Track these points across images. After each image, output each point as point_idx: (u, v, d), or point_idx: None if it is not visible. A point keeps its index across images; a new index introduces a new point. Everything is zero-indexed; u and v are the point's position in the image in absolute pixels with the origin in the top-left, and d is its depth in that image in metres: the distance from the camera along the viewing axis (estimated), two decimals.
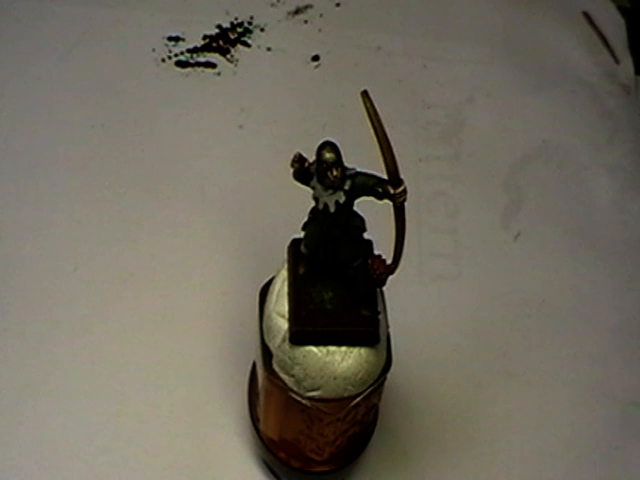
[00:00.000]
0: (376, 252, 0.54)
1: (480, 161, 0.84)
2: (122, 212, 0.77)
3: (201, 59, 0.88)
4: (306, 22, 0.92)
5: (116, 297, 0.72)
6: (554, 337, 0.74)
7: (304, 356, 0.54)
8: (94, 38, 0.87)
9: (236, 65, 0.88)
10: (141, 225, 0.76)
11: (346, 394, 0.55)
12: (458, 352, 0.72)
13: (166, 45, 0.88)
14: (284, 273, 0.57)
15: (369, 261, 0.53)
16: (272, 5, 0.93)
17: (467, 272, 0.77)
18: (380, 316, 0.55)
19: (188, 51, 0.88)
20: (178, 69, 0.87)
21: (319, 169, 0.50)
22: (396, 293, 0.59)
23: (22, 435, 0.66)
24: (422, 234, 0.79)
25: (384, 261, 0.53)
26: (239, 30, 0.90)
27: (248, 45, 0.89)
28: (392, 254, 0.52)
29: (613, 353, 0.74)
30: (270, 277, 0.59)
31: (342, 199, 0.51)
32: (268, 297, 0.57)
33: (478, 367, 0.72)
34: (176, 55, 0.88)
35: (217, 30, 0.90)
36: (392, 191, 0.49)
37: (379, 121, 0.47)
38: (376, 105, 0.47)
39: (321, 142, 0.50)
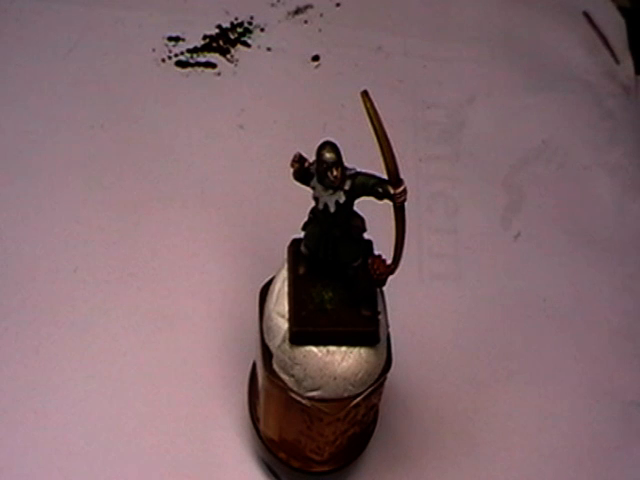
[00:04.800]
0: (376, 252, 0.55)
1: (480, 161, 0.84)
2: (122, 212, 0.77)
3: (201, 59, 0.88)
4: (306, 22, 0.92)
5: (116, 297, 0.72)
6: (554, 337, 0.74)
7: (304, 356, 0.54)
8: (94, 38, 0.87)
9: (236, 65, 0.88)
10: (141, 225, 0.76)
11: (346, 394, 0.55)
12: (458, 352, 0.72)
13: (166, 45, 0.88)
14: (284, 273, 0.57)
15: (369, 261, 0.53)
16: (272, 5, 0.93)
17: (467, 272, 0.77)
18: (380, 316, 0.55)
19: (188, 51, 0.88)
20: (178, 69, 0.87)
21: (319, 169, 0.50)
22: (396, 293, 0.59)
23: (22, 435, 0.66)
24: (422, 234, 0.79)
25: (384, 261, 0.53)
26: (239, 30, 0.90)
27: (248, 45, 0.89)
28: (392, 254, 0.52)
29: (613, 353, 0.74)
30: (270, 277, 0.59)
31: (342, 199, 0.51)
32: (268, 297, 0.57)
33: (478, 367, 0.72)
34: (176, 55, 0.88)
35: (217, 30, 0.90)
36: (392, 191, 0.49)
37: (379, 121, 0.47)
38: (376, 105, 0.47)
39: (321, 142, 0.50)
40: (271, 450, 0.63)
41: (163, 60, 0.87)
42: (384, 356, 0.57)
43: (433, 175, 0.83)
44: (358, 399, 0.56)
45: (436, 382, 0.71)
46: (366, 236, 0.55)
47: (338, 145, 0.50)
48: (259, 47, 0.89)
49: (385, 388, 0.59)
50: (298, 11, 0.93)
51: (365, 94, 0.47)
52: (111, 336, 0.70)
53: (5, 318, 0.70)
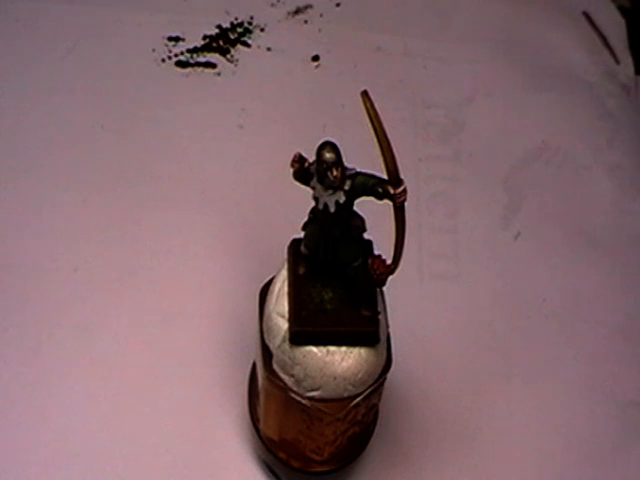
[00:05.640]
0: (376, 252, 0.55)
1: (480, 161, 0.84)
2: (122, 212, 0.77)
3: (201, 59, 0.88)
4: (306, 22, 0.92)
5: (116, 297, 0.72)
6: (554, 337, 0.74)
7: (304, 356, 0.54)
8: (94, 38, 0.87)
9: (236, 65, 0.88)
10: (141, 225, 0.76)
11: (346, 394, 0.55)
12: (458, 352, 0.72)
13: (166, 45, 0.88)
14: (284, 273, 0.57)
15: (369, 261, 0.53)
16: (272, 5, 0.93)
17: (467, 272, 0.77)
18: (380, 316, 0.55)
19: (188, 51, 0.88)
20: (178, 69, 0.87)
21: (319, 169, 0.50)
22: (396, 293, 0.59)
23: (22, 435, 0.66)
24: (422, 234, 0.79)
25: (384, 261, 0.53)
26: (239, 30, 0.90)
27: (248, 45, 0.89)
28: (392, 254, 0.52)
29: (613, 353, 0.74)
30: (270, 277, 0.59)
31: (342, 199, 0.51)
32: (268, 297, 0.57)
33: (478, 367, 0.72)
34: (176, 55, 0.88)
35: (217, 30, 0.90)
36: (392, 191, 0.49)
37: (379, 121, 0.47)
38: (376, 105, 0.47)
39: (321, 142, 0.50)
40: (271, 450, 0.63)
41: (163, 60, 0.87)
42: (384, 356, 0.57)
43: (433, 175, 0.83)
44: (358, 399, 0.56)
45: (436, 382, 0.71)
46: (366, 236, 0.55)
47: (338, 145, 0.50)
48: (259, 47, 0.89)
49: (385, 388, 0.59)
50: (298, 11, 0.93)
51: (365, 94, 0.47)
52: (111, 336, 0.70)
53: (5, 318, 0.70)
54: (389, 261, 0.53)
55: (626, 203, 0.83)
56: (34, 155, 0.79)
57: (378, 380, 0.57)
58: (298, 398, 0.56)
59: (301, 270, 0.56)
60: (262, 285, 0.59)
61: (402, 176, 0.49)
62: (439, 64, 0.91)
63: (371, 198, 0.50)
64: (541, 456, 0.69)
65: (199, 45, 0.88)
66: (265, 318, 0.57)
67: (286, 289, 0.56)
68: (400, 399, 0.69)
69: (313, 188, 0.52)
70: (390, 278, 0.53)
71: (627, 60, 0.93)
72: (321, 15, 0.93)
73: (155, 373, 0.69)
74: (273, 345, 0.56)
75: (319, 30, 0.92)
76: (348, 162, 0.50)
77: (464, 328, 0.74)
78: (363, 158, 0.51)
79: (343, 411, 0.56)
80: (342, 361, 0.54)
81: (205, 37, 0.89)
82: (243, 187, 0.79)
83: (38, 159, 0.79)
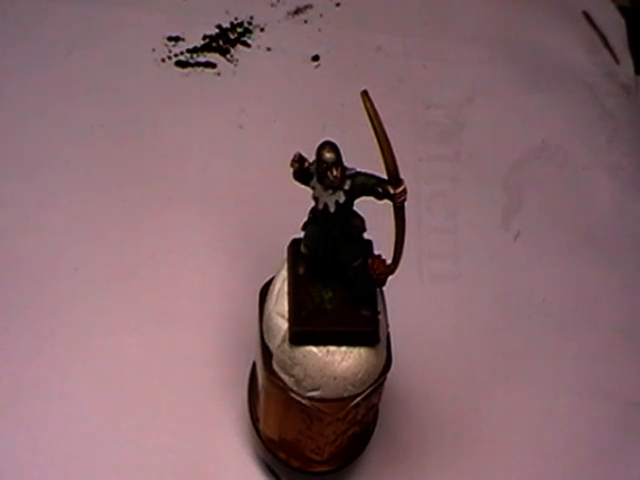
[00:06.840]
0: (376, 252, 0.55)
1: (480, 161, 0.84)
2: (122, 212, 0.77)
3: (201, 59, 0.88)
4: (306, 22, 0.92)
5: (116, 297, 0.72)
6: (554, 337, 0.74)
7: (304, 356, 0.54)
8: (94, 38, 0.87)
9: (236, 65, 0.88)
10: (141, 225, 0.76)
11: (346, 394, 0.55)
12: (458, 352, 0.72)
13: (166, 45, 0.88)
14: (284, 273, 0.57)
15: (369, 261, 0.53)
16: (272, 5, 0.93)
17: (467, 272, 0.77)
18: (380, 316, 0.55)
19: (188, 51, 0.88)
20: (178, 69, 0.87)
21: (319, 169, 0.50)
22: (396, 293, 0.59)
23: (22, 435, 0.66)
24: (422, 234, 0.79)
25: (384, 261, 0.53)
26: (239, 30, 0.90)
27: (248, 45, 0.89)
28: (392, 254, 0.52)
29: (613, 353, 0.74)
30: (270, 277, 0.59)
31: (342, 199, 0.51)
32: (268, 297, 0.57)
33: (478, 367, 0.72)
34: (176, 55, 0.88)
35: (217, 30, 0.90)
36: (392, 191, 0.49)
37: (379, 121, 0.47)
38: (376, 105, 0.47)
39: (321, 142, 0.50)
40: (271, 450, 0.63)
41: (163, 60, 0.87)
42: (384, 356, 0.57)
43: (433, 175, 0.83)
44: (358, 399, 0.56)
45: (436, 382, 0.71)
46: (366, 236, 0.55)
47: (338, 145, 0.50)
48: (259, 47, 0.89)
49: (385, 388, 0.59)
50: (298, 11, 0.93)
51: (365, 94, 0.47)
52: (111, 336, 0.70)
53: (5, 318, 0.70)
54: (389, 261, 0.53)
55: (626, 203, 0.83)
56: (34, 155, 0.79)
57: (378, 380, 0.57)
58: (298, 398, 0.56)
59: (301, 270, 0.56)
60: (262, 285, 0.59)
61: (402, 176, 0.49)
62: (439, 64, 0.91)
63: (371, 198, 0.50)
64: (541, 456, 0.69)
65: (199, 45, 0.88)
66: (265, 318, 0.57)
67: (286, 289, 0.56)
68: (400, 399, 0.69)
69: (313, 188, 0.52)
70: (390, 278, 0.53)
71: (627, 60, 0.93)
72: (321, 15, 0.93)
73: (155, 373, 0.69)
74: (273, 345, 0.56)
75: (319, 30, 0.92)
76: (348, 162, 0.50)
77: (464, 328, 0.74)
78: (363, 158, 0.52)
79: (343, 411, 0.56)
80: (342, 361, 0.54)
81: (205, 37, 0.89)
82: (243, 187, 0.79)
83: (38, 159, 0.79)
